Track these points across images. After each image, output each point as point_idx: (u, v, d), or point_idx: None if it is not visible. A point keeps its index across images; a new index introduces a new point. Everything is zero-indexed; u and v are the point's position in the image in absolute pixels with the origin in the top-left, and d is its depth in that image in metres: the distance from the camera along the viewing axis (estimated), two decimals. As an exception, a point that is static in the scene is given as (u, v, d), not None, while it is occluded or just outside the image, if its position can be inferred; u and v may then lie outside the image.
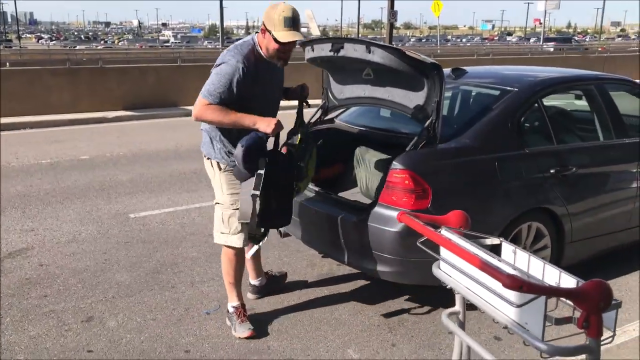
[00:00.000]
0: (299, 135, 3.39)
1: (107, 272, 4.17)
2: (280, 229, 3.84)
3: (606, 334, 1.49)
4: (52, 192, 6.27)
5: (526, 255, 1.77)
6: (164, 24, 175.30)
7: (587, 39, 71.32)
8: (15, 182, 6.63)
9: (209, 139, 3.23)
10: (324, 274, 4.17)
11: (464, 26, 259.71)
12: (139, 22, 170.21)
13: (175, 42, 56.18)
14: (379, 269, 3.35)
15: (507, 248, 1.85)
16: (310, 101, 3.49)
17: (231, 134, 3.15)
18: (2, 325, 3.38)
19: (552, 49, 30.58)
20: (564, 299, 1.52)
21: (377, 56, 3.31)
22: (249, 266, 3.69)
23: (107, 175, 7.00)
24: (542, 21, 51.27)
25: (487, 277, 1.51)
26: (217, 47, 27.33)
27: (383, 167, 3.73)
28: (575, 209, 3.71)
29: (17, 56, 19.28)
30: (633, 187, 4.04)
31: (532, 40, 60.73)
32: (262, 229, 3.25)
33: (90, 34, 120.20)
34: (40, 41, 74.92)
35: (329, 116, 4.33)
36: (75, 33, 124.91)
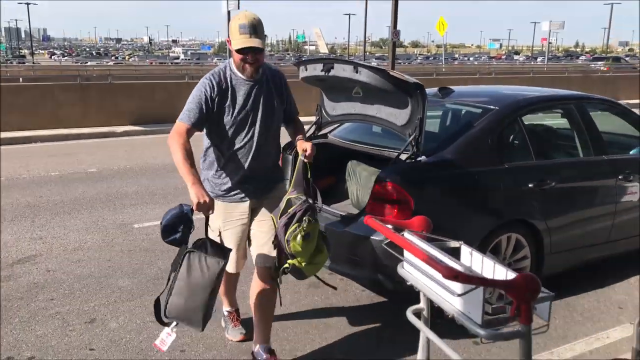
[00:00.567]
0: (284, 204, 2.88)
1: (110, 277, 4.40)
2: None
3: (542, 323, 1.70)
4: (60, 203, 6.53)
5: (480, 256, 1.98)
6: (174, 41, 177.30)
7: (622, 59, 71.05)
8: (26, 194, 6.90)
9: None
10: (314, 281, 4.36)
11: (472, 45, 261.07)
12: (150, 39, 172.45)
13: (185, 59, 56.91)
14: (364, 275, 3.56)
15: (465, 250, 2.06)
16: (305, 118, 3.35)
17: (216, 158, 3.00)
18: (11, 325, 3.61)
19: (602, 68, 30.55)
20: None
21: (364, 76, 3.55)
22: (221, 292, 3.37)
23: (113, 188, 7.27)
24: (548, 41, 51.38)
25: (437, 273, 1.72)
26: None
27: (372, 179, 3.95)
28: (553, 221, 3.90)
29: (30, 72, 19.81)
30: (611, 201, 4.23)
31: (539, 59, 60.95)
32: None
33: (101, 50, 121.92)
34: (52, 57, 76.21)
35: (323, 132, 4.57)
36: (87, 49, 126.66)
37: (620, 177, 4.25)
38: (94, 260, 4.77)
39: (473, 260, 2.02)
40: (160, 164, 8.81)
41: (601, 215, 4.22)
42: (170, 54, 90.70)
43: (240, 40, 2.75)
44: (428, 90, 4.62)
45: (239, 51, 2.78)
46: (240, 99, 2.88)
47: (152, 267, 4.61)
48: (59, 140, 11.37)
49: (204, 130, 2.94)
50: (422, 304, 2.17)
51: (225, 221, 3.03)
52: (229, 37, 2.81)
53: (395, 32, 16.43)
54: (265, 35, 2.86)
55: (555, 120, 4.83)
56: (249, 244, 3.15)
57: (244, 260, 3.22)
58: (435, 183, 3.60)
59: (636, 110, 5.03)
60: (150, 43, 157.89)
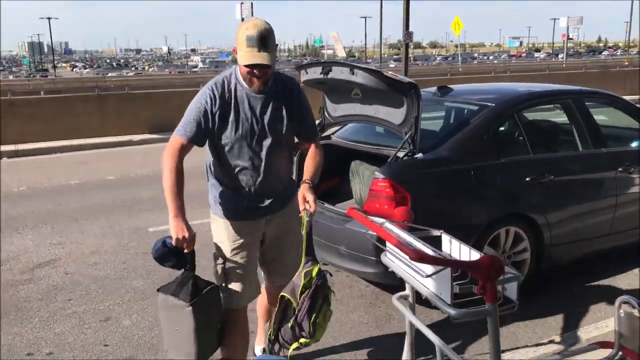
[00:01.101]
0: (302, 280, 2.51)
1: (125, 279, 4.58)
2: None
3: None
4: (79, 209, 6.77)
5: (458, 243, 2.09)
6: (192, 50, 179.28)
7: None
8: (46, 202, 7.16)
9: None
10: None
11: (491, 44, 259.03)
12: (169, 49, 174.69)
13: (204, 67, 57.57)
14: (365, 270, 3.68)
15: (445, 238, 2.18)
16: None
17: (221, 176, 2.71)
18: (31, 324, 3.80)
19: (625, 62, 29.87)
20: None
21: (360, 77, 3.67)
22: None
23: (130, 194, 7.49)
24: (567, 37, 50.73)
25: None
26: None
27: (373, 178, 4.07)
28: (553, 214, 3.97)
29: (51, 84, 20.29)
30: (612, 194, 4.27)
31: (560, 56, 60.12)
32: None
33: (121, 61, 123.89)
34: (74, 69, 77.76)
35: (326, 133, 4.70)
36: (108, 60, 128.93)
37: (620, 169, 4.29)
38: (110, 263, 4.96)
39: (452, 247, 2.13)
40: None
41: (602, 207, 4.27)
42: (189, 63, 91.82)
43: (246, 55, 2.43)
44: (428, 89, 4.76)
45: (245, 66, 2.48)
46: (245, 113, 2.55)
47: (165, 268, 4.76)
48: (78, 150, 11.70)
49: (206, 144, 2.65)
50: (407, 291, 2.28)
51: (235, 242, 2.70)
52: (235, 46, 2.51)
53: (407, 34, 16.51)
54: (277, 45, 2.54)
55: (556, 116, 4.90)
56: (262, 263, 2.92)
57: (259, 286, 2.90)
58: (432, 179, 3.70)
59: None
60: (169, 53, 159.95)
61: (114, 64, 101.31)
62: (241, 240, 2.69)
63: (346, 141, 4.54)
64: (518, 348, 3.37)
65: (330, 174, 4.69)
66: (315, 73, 4.04)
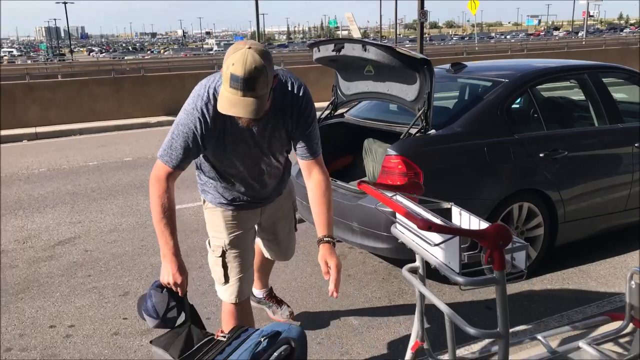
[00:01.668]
0: None
1: (142, 256, 4.67)
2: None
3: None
4: (97, 189, 6.89)
5: (468, 215, 2.12)
6: (207, 33, 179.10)
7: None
8: (66, 182, 7.29)
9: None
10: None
11: (509, 22, 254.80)
12: (184, 32, 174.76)
13: (219, 50, 57.54)
14: (377, 246, 3.71)
15: (455, 211, 2.20)
16: (320, 104, 3.19)
17: (213, 176, 2.52)
18: (53, 298, 3.91)
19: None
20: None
21: (372, 54, 3.68)
22: (255, 275, 3.18)
23: (147, 174, 7.50)
24: (587, 14, 49.69)
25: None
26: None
27: (386, 155, 4.09)
28: (567, 190, 3.96)
29: (69, 68, 20.48)
30: (628, 170, 4.24)
31: (580, 34, 58.94)
32: None
33: (137, 45, 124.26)
34: (91, 54, 78.26)
35: (339, 111, 4.71)
36: (124, 45, 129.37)
37: (637, 144, 4.25)
38: (128, 240, 5.06)
39: (462, 219, 2.15)
40: (192, 151, 9.10)
41: (618, 183, 4.24)
42: (204, 46, 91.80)
43: (226, 99, 1.95)
44: (442, 67, 4.74)
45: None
46: (240, 135, 2.26)
47: (182, 245, 4.75)
48: (96, 133, 11.85)
49: None
50: (417, 263, 2.31)
51: (232, 233, 2.60)
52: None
53: (422, 12, 16.33)
54: (276, 74, 2.07)
55: (574, 93, 4.85)
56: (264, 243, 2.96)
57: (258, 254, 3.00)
58: (444, 155, 3.71)
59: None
60: (184, 36, 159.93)
61: (130, 48, 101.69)
62: (239, 232, 2.59)
63: (359, 119, 4.55)
64: (529, 323, 3.40)
65: (344, 152, 4.73)
66: (327, 50, 4.05)
